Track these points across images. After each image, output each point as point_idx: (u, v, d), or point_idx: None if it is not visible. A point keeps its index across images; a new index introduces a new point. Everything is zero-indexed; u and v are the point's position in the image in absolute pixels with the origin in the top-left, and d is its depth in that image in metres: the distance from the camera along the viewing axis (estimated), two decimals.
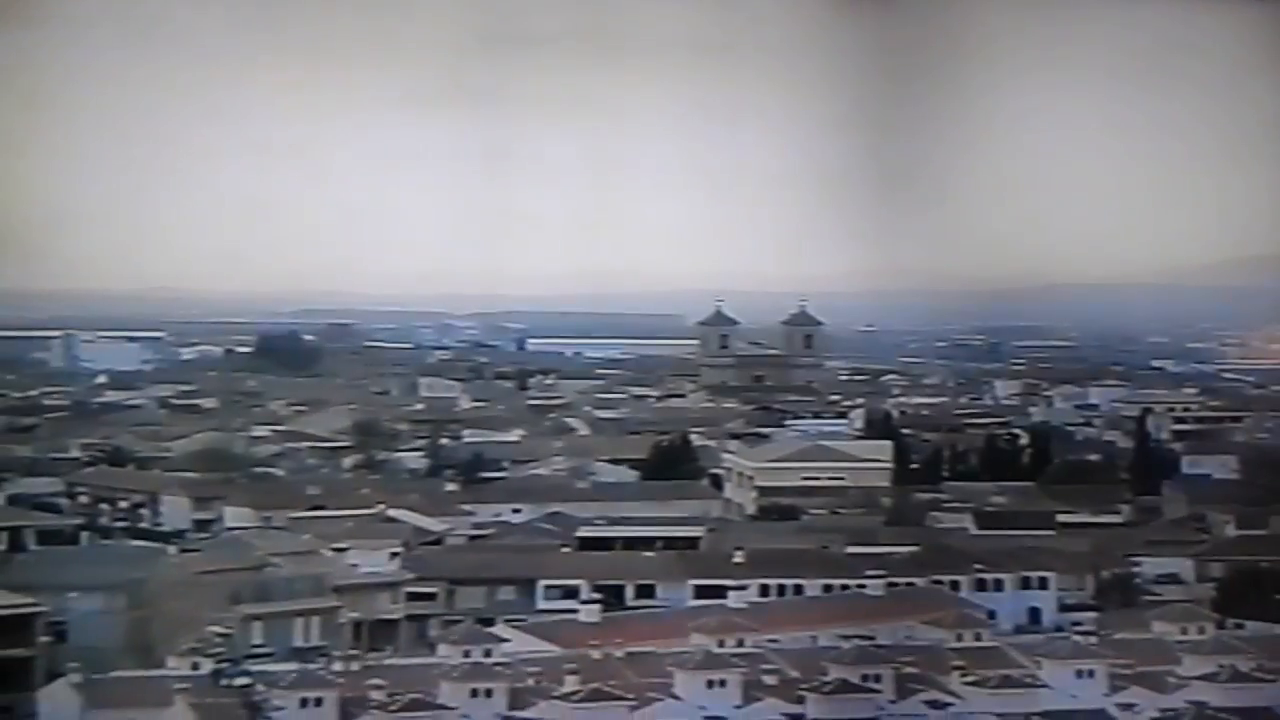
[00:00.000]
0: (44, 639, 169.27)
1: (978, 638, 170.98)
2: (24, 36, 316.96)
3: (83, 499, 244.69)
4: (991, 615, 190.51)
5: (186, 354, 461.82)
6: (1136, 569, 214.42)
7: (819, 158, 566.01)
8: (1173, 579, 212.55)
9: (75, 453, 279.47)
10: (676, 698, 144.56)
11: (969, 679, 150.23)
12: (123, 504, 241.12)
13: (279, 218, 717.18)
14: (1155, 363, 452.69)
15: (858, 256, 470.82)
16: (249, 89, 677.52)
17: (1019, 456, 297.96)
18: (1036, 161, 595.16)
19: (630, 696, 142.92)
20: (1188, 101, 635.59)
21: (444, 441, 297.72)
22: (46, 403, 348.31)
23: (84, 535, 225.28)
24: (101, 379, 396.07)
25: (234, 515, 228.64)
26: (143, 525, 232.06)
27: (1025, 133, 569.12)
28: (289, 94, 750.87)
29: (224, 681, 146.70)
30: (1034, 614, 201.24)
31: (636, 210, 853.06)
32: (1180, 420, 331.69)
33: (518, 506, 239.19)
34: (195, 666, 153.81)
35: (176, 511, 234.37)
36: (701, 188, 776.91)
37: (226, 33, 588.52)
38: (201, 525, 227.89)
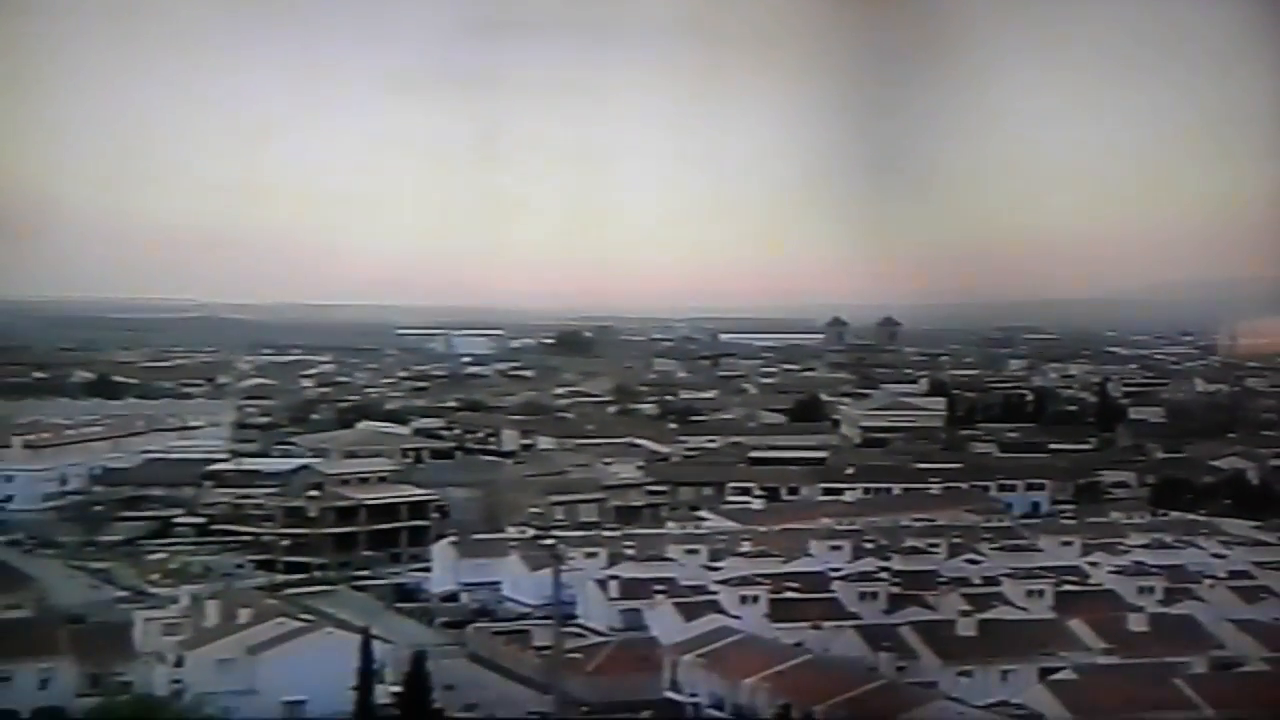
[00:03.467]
0: (434, 515, 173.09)
1: (999, 520, 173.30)
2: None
3: (455, 431, 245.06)
4: (1008, 507, 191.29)
5: (515, 343, 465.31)
6: (1099, 478, 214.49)
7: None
8: (1122, 484, 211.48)
9: (451, 403, 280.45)
10: (810, 555, 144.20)
11: (994, 545, 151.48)
12: (479, 435, 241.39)
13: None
14: (1109, 348, 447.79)
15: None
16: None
17: (1025, 407, 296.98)
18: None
19: (782, 555, 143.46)
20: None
21: (668, 398, 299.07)
22: (434, 373, 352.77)
23: (457, 453, 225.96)
24: (466, 359, 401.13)
25: (545, 442, 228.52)
26: (490, 448, 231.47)
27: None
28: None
29: (539, 541, 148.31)
30: (1035, 506, 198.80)
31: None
32: (1127, 384, 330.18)
33: (712, 438, 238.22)
34: (522, 532, 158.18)
35: (510, 439, 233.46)
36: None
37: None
38: (525, 448, 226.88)
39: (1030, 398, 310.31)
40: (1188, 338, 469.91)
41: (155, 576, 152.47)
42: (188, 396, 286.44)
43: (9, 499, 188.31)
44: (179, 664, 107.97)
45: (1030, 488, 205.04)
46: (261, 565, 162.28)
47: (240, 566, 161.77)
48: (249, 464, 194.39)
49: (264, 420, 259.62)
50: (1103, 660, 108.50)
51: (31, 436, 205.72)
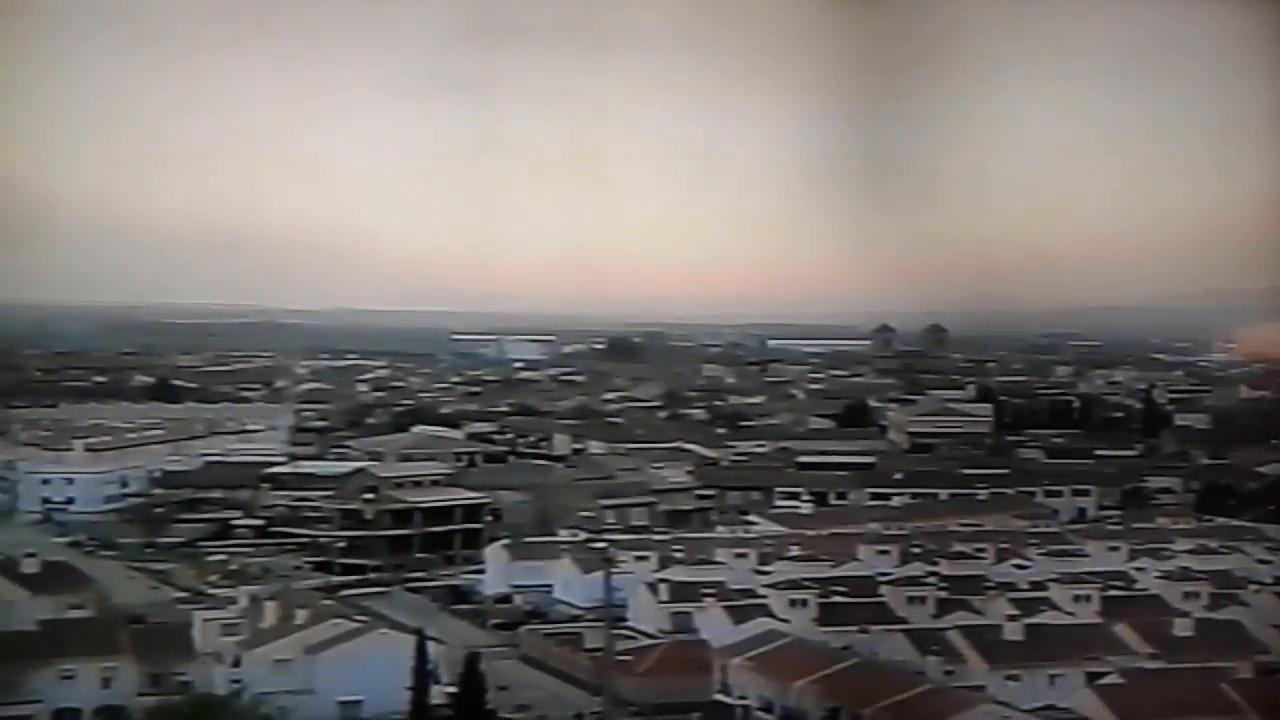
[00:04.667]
0: (487, 518, 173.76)
1: (1046, 526, 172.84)
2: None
3: (508, 435, 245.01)
4: (1055, 512, 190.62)
5: (567, 349, 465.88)
6: (1144, 484, 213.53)
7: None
8: (1167, 490, 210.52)
9: (504, 408, 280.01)
10: (858, 560, 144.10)
11: (1040, 551, 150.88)
12: (531, 439, 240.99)
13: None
14: (1154, 355, 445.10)
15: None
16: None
17: (1072, 413, 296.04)
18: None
19: (830, 559, 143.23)
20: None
21: (717, 403, 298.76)
22: (487, 378, 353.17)
23: (509, 458, 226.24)
24: (518, 364, 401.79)
25: (595, 446, 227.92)
26: (542, 452, 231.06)
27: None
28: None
29: (590, 545, 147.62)
30: (1081, 512, 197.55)
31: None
32: (1172, 391, 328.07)
33: (761, 443, 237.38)
34: (574, 535, 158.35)
35: (562, 444, 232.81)
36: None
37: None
38: (576, 453, 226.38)
39: (1076, 404, 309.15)
40: (1232, 344, 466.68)
41: (214, 577, 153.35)
42: (246, 400, 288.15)
43: (71, 501, 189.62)
44: (237, 664, 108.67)
45: (1076, 493, 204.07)
46: (318, 567, 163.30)
47: (297, 568, 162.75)
48: (306, 467, 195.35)
49: (321, 424, 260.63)
50: (1149, 665, 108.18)
51: (92, 440, 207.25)
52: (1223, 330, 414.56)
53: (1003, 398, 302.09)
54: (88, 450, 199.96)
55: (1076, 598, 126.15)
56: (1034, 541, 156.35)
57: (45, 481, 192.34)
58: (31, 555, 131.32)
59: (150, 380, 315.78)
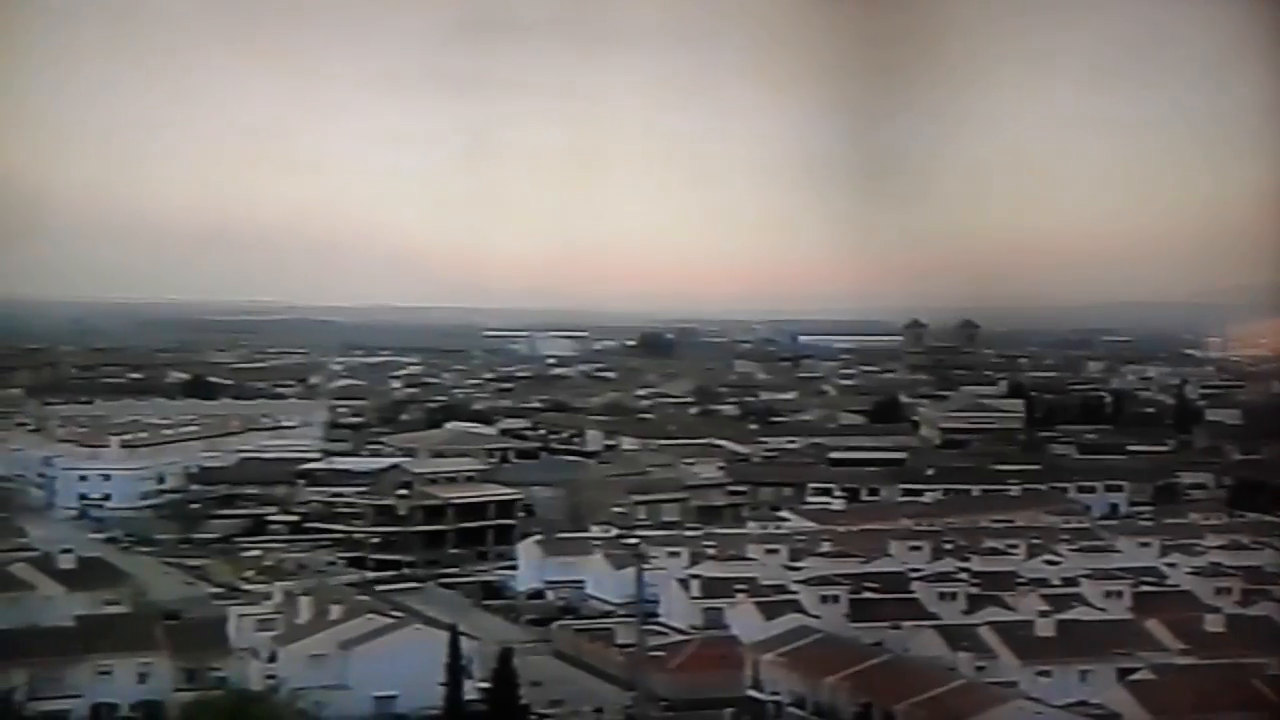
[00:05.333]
0: (520, 514, 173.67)
1: (1078, 522, 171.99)
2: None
3: (540, 431, 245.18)
4: (1086, 508, 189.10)
5: (598, 345, 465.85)
6: (1176, 480, 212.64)
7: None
8: (1199, 486, 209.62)
9: (536, 404, 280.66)
10: (890, 556, 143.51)
11: (1072, 547, 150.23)
12: (563, 435, 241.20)
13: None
14: (1186, 350, 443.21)
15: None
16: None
17: (1104, 409, 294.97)
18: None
19: (862, 555, 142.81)
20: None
21: (748, 399, 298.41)
22: (520, 375, 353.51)
23: (542, 454, 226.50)
24: (550, 360, 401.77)
25: (627, 442, 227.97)
26: (574, 448, 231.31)
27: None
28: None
29: (622, 541, 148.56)
30: (1113, 508, 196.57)
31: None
32: (1204, 386, 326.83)
33: (793, 439, 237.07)
34: (606, 531, 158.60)
35: (594, 440, 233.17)
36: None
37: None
38: (609, 449, 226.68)
39: (1108, 399, 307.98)
40: (1264, 340, 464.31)
41: (249, 573, 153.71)
42: (281, 397, 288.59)
43: (107, 497, 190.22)
44: (273, 659, 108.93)
45: (1108, 489, 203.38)
46: (352, 562, 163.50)
47: (332, 563, 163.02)
48: (340, 463, 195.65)
49: (355, 420, 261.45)
50: (1180, 661, 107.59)
51: (129, 436, 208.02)
52: (1235, 327, 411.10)
53: (1034, 393, 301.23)
54: (124, 447, 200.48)
55: (1108, 593, 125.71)
56: (1066, 537, 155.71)
57: (82, 478, 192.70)
58: (68, 551, 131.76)
59: (186, 377, 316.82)
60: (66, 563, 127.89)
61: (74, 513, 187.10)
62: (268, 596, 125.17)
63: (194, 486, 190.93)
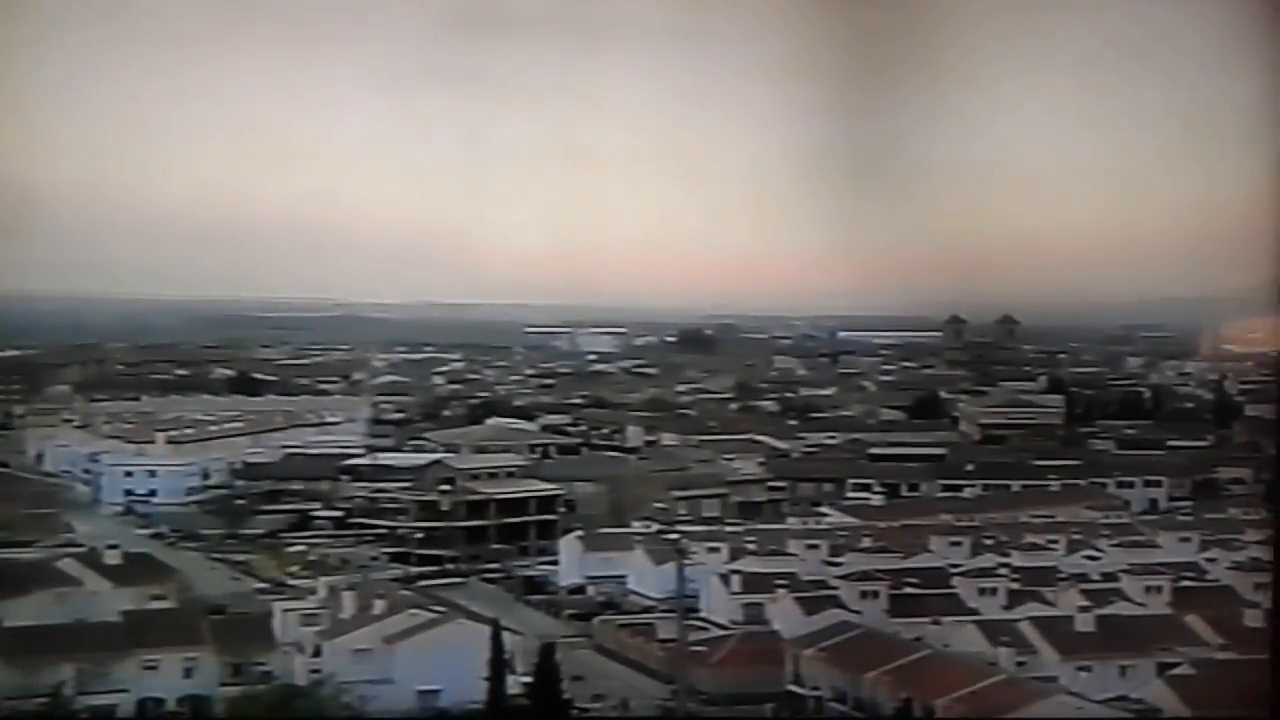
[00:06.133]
0: (561, 510, 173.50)
1: (1118, 517, 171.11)
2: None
3: (581, 427, 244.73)
4: (1126, 503, 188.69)
5: (639, 341, 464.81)
6: (1216, 475, 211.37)
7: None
8: (1239, 481, 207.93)
9: (577, 400, 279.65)
10: (930, 551, 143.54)
11: (1112, 542, 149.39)
12: (604, 431, 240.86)
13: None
14: (1225, 346, 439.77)
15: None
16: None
17: (1143, 404, 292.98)
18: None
19: (902, 551, 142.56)
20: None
21: (788, 395, 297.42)
22: (561, 371, 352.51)
23: (583, 449, 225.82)
24: (591, 356, 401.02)
25: (668, 438, 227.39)
26: (615, 444, 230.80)
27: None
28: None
29: (663, 536, 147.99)
30: (1153, 503, 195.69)
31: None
32: (1243, 382, 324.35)
33: (832, 435, 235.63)
34: (647, 526, 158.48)
35: (634, 436, 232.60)
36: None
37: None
38: (649, 444, 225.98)
39: (1148, 395, 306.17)
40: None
41: (294, 568, 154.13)
42: (325, 393, 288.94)
43: (153, 493, 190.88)
44: (317, 654, 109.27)
45: (1148, 484, 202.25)
46: (396, 557, 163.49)
47: (375, 558, 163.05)
48: (384, 459, 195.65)
49: (398, 416, 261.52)
50: (1220, 656, 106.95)
51: (175, 432, 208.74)
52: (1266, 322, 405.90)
53: (1074, 389, 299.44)
54: (170, 443, 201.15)
55: (1148, 589, 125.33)
56: (1105, 533, 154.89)
57: (128, 474, 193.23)
58: (114, 547, 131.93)
59: (232, 373, 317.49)
60: (113, 558, 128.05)
61: (120, 508, 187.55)
62: (312, 591, 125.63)
63: (239, 482, 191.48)
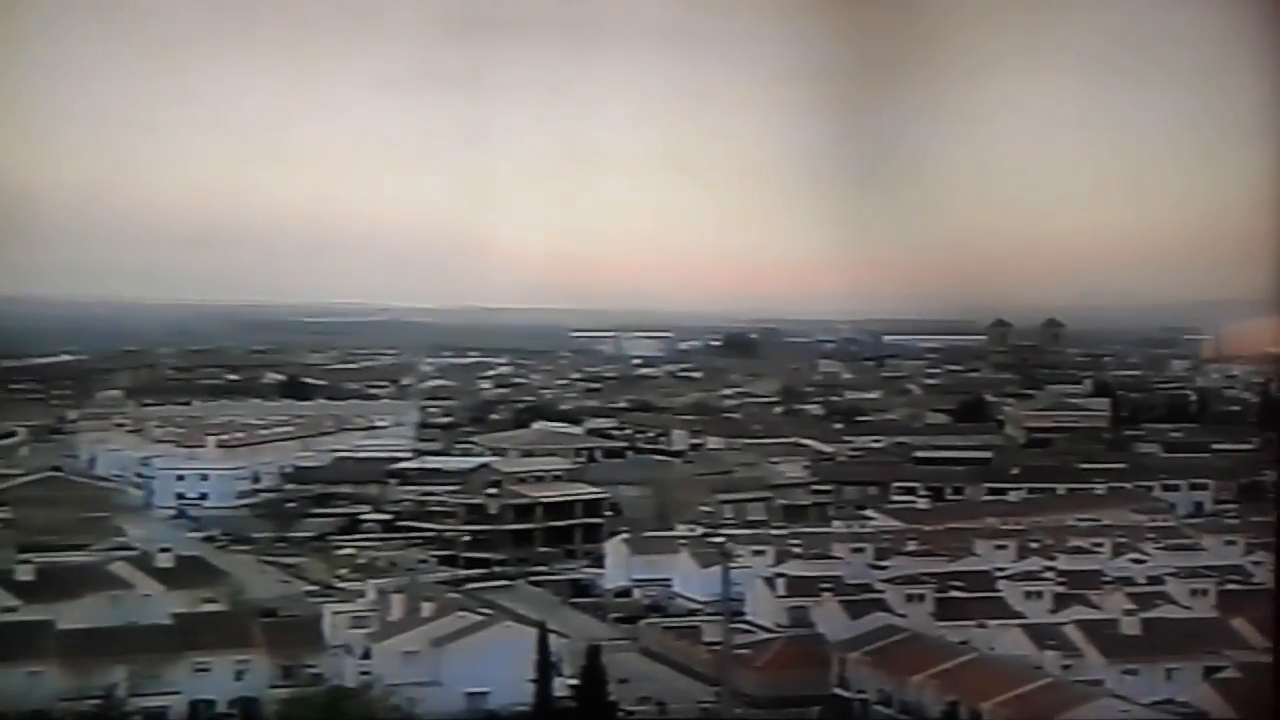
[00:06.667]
0: (607, 513, 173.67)
1: (1163, 520, 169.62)
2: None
3: (627, 431, 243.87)
4: (1172, 506, 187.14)
5: (683, 346, 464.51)
6: (1262, 478, 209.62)
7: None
8: None
9: (622, 404, 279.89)
10: (975, 555, 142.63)
11: (1157, 545, 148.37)
12: (649, 434, 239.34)
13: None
14: (1269, 349, 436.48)
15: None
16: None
17: (1189, 407, 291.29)
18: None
19: (947, 554, 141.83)
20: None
21: (833, 398, 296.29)
22: (606, 375, 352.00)
23: (628, 453, 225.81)
24: (636, 360, 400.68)
25: (713, 441, 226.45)
26: (660, 447, 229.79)
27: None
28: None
29: (708, 539, 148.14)
30: (1198, 506, 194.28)
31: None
32: None
33: (877, 438, 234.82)
34: (692, 530, 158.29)
35: (680, 439, 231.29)
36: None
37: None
38: (694, 448, 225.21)
39: (1193, 398, 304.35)
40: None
41: (343, 571, 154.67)
42: (374, 397, 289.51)
43: (204, 497, 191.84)
44: (366, 656, 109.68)
45: (1194, 487, 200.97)
46: (444, 560, 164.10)
47: (424, 561, 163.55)
48: (432, 462, 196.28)
49: (445, 420, 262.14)
50: (1265, 659, 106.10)
51: (225, 436, 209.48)
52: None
53: (1120, 392, 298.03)
54: (221, 447, 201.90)
55: (1193, 592, 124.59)
56: (1151, 536, 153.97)
57: (180, 478, 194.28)
58: (166, 550, 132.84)
59: (281, 378, 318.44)
60: (165, 561, 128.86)
61: (172, 512, 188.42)
62: (361, 594, 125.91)
63: (289, 486, 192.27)
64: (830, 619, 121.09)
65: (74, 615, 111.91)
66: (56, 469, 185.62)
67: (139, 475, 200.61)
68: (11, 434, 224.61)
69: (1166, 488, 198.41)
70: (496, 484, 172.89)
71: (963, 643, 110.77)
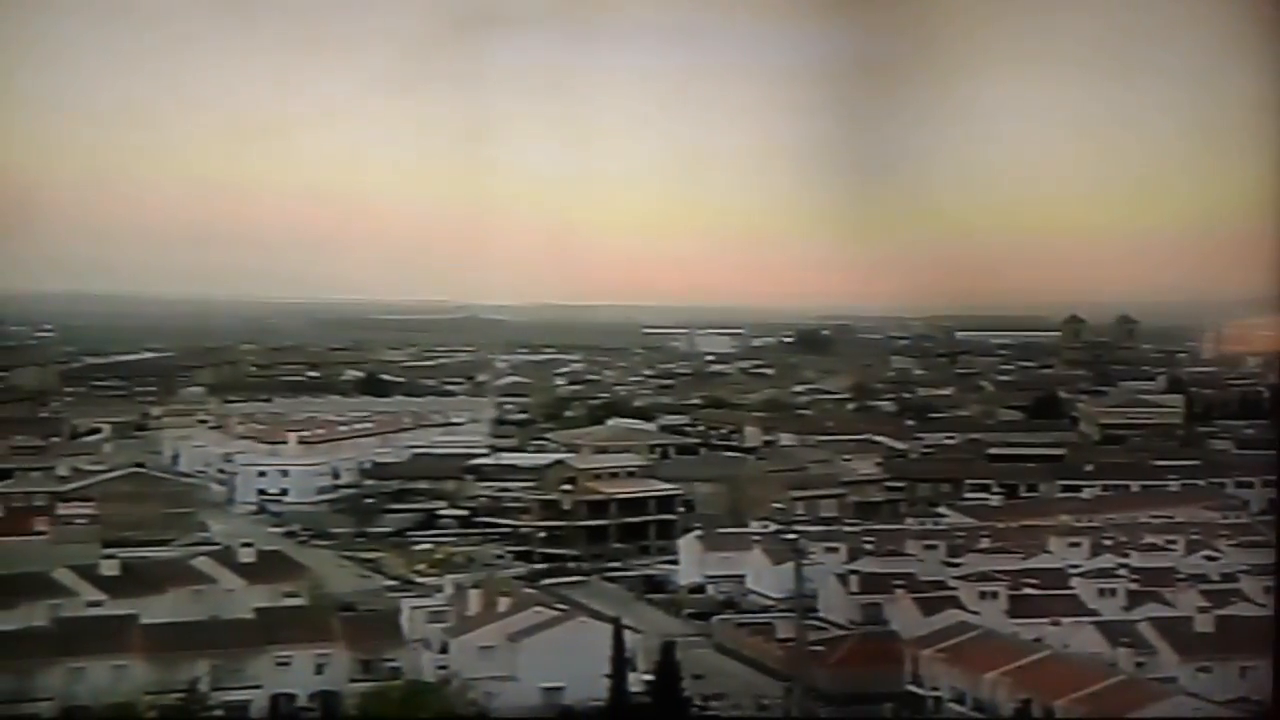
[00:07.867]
0: (680, 510, 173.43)
1: (1237, 517, 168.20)
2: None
3: (700, 427, 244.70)
4: (1245, 504, 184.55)
5: (757, 342, 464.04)
6: None
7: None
8: None
9: (695, 400, 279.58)
10: (1049, 552, 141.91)
11: (1231, 542, 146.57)
12: (722, 431, 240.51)
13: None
14: None
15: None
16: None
17: (1262, 403, 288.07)
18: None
19: (1021, 551, 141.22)
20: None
21: (905, 395, 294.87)
22: (679, 371, 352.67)
23: (701, 449, 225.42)
24: (709, 357, 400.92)
25: (786, 438, 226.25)
26: (733, 444, 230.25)
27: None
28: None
29: (781, 536, 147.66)
30: (1272, 503, 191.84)
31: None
32: None
33: (950, 435, 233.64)
34: (765, 526, 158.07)
35: (752, 436, 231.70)
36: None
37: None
38: (767, 444, 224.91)
39: (1266, 394, 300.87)
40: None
41: (421, 566, 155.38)
42: (450, 394, 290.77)
43: (285, 492, 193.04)
44: (444, 650, 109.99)
45: (1267, 484, 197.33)
46: (519, 556, 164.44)
47: (500, 557, 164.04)
48: (507, 459, 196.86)
49: (521, 417, 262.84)
50: None
51: (306, 433, 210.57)
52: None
53: (1193, 388, 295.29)
54: (301, 443, 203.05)
55: (1267, 589, 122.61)
56: (1224, 533, 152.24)
57: (261, 474, 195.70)
58: (248, 545, 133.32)
59: (360, 375, 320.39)
60: (246, 556, 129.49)
61: (253, 507, 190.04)
62: (439, 589, 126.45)
63: (368, 481, 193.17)
64: (903, 616, 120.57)
65: (158, 610, 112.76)
66: (140, 465, 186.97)
67: (221, 471, 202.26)
68: (96, 430, 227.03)
69: (1240, 484, 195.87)
70: (571, 480, 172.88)
71: (1036, 640, 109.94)
